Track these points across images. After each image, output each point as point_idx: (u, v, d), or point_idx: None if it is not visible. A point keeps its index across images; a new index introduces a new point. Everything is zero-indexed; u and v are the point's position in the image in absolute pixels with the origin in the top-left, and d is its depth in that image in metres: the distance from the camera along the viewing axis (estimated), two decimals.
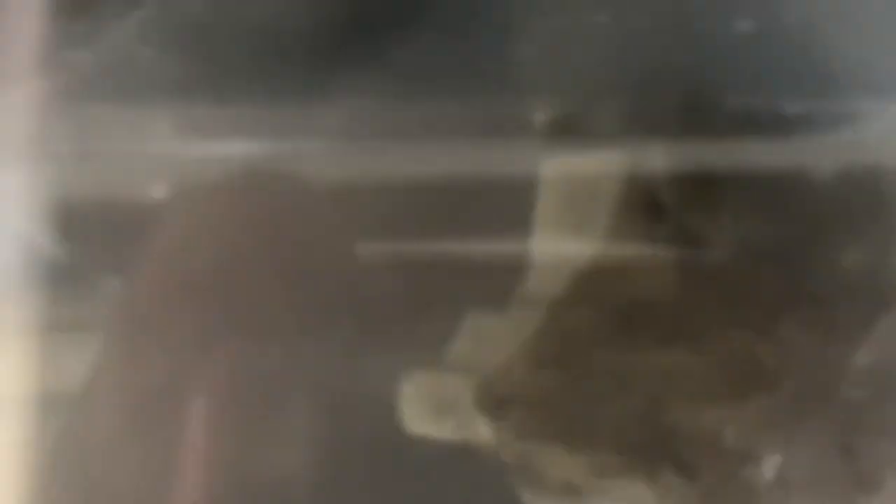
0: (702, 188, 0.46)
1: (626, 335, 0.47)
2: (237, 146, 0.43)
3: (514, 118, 0.51)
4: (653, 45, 0.43)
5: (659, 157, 0.46)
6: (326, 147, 0.48)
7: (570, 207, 0.50)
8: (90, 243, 0.40)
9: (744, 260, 0.47)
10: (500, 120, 0.50)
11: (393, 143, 0.52)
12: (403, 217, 0.44)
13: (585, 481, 0.47)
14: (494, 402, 0.48)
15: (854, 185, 0.49)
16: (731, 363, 0.46)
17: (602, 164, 0.50)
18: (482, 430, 0.46)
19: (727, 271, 0.47)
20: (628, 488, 0.47)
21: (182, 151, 0.44)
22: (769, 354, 0.45)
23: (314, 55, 0.43)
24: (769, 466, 0.45)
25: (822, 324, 0.45)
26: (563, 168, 0.50)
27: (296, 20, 0.41)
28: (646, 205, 0.47)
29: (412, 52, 0.46)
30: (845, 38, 0.46)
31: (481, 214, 0.48)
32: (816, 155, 0.46)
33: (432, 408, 0.47)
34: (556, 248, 0.49)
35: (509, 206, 0.52)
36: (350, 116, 0.48)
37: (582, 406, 0.49)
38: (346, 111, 0.46)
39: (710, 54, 0.45)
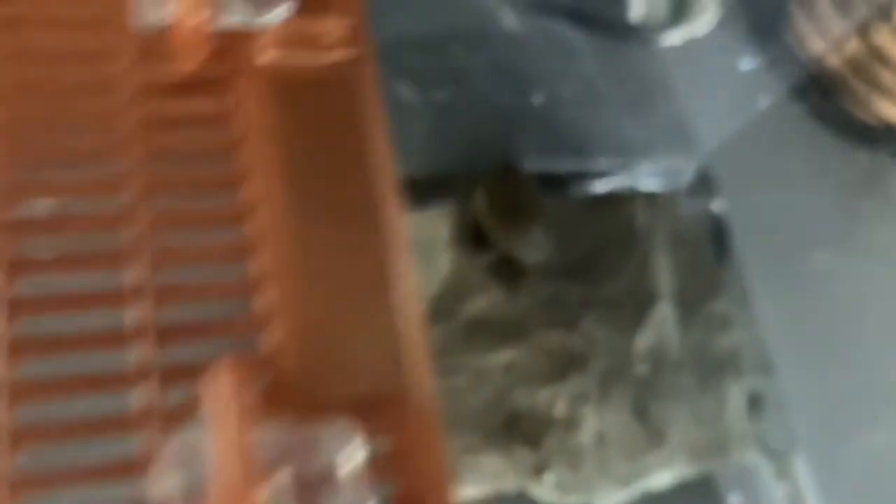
0: (516, 224, 0.60)
1: (472, 343, 0.60)
2: None
3: None
4: (464, 119, 0.57)
5: (480, 201, 0.60)
6: None
7: (415, 248, 0.62)
8: None
9: (551, 276, 0.62)
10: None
11: None
12: None
13: (457, 459, 0.58)
14: None
15: (617, 219, 0.66)
16: (552, 354, 0.60)
17: (434, 215, 0.63)
18: None
19: (540, 286, 0.61)
20: (489, 462, 0.59)
21: None
22: (577, 345, 0.60)
23: None
24: (588, 431, 0.59)
25: (613, 319, 0.61)
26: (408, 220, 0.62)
27: None
28: (473, 239, 0.61)
29: None
30: (599, 112, 0.64)
31: None
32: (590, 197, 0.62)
33: None
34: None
35: None
36: None
37: (447, 400, 0.61)
38: None
39: (510, 123, 0.59)
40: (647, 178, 0.79)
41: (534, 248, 0.63)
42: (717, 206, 0.79)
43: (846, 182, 0.66)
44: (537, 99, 0.57)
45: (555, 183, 0.75)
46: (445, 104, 0.55)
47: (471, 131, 0.60)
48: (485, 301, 0.63)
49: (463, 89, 0.55)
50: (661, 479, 0.66)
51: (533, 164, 0.71)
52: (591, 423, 0.62)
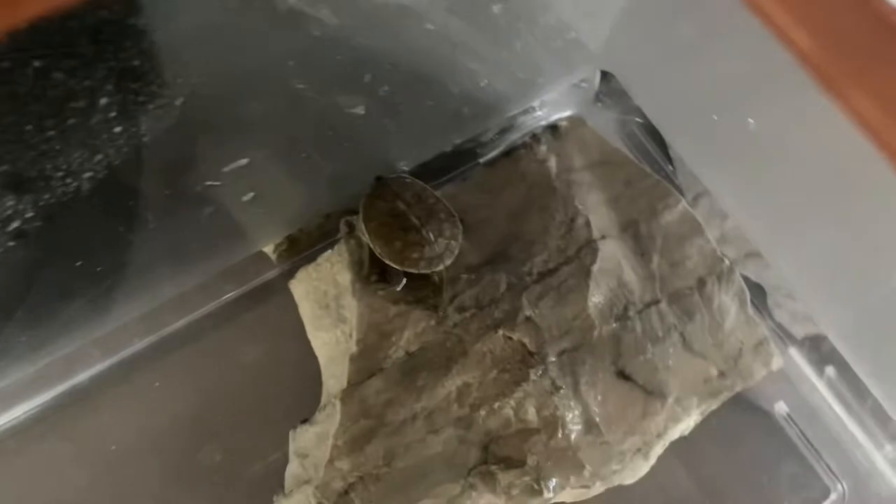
0: (410, 237, 0.52)
1: (414, 383, 0.53)
2: None
3: (251, 264, 0.57)
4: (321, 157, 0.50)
5: (362, 229, 0.53)
6: None
7: (323, 304, 0.56)
8: None
9: (472, 272, 0.54)
10: (241, 269, 0.56)
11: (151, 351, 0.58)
12: None
13: None
14: (336, 497, 0.53)
15: (523, 175, 0.57)
16: (501, 359, 0.52)
17: (330, 259, 0.56)
18: None
19: (464, 290, 0.53)
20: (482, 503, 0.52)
21: None
22: (525, 337, 0.52)
23: None
24: (573, 422, 0.51)
25: (553, 290, 0.52)
26: (304, 278, 0.56)
27: None
28: (374, 272, 0.54)
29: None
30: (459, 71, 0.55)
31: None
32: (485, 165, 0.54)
33: None
34: (329, 341, 0.55)
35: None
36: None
37: (407, 457, 0.54)
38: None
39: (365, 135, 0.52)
40: (549, 113, 0.70)
41: (439, 253, 0.55)
42: (629, 107, 0.68)
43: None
44: (381, 92, 0.49)
45: (447, 167, 0.67)
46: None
47: (333, 169, 0.54)
48: (411, 332, 0.56)
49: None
50: (682, 429, 0.57)
51: (413, 160, 0.63)
52: (572, 413, 0.54)
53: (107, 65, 0.35)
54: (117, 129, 0.38)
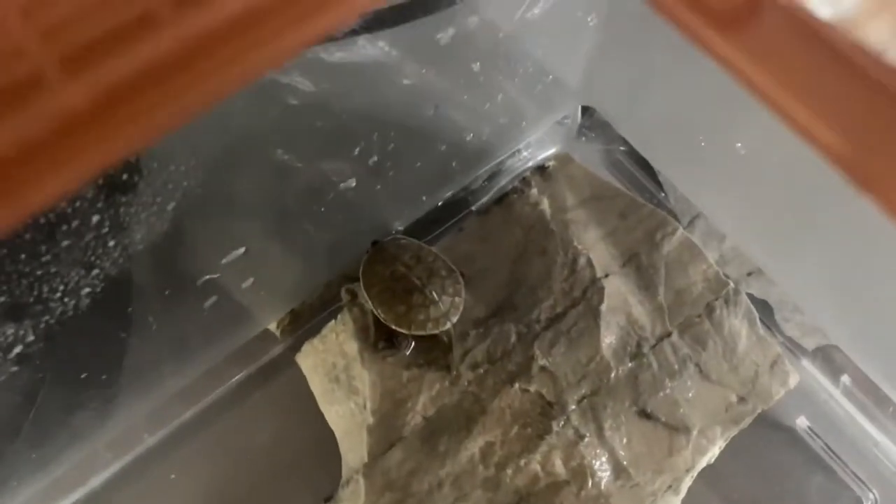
0: (412, 298, 0.51)
1: (435, 449, 0.51)
2: None
3: (255, 343, 0.55)
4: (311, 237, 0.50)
5: (364, 293, 0.54)
6: None
7: (333, 377, 0.55)
8: None
9: (480, 327, 0.53)
10: (246, 350, 0.55)
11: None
12: None
13: None
14: None
15: (518, 220, 0.56)
16: (522, 413, 0.51)
17: (335, 329, 0.55)
18: None
19: (474, 347, 0.52)
20: None
21: None
22: (542, 387, 0.51)
23: None
24: (602, 469, 0.50)
25: (563, 335, 0.51)
26: (310, 351, 0.55)
27: None
28: (381, 338, 0.53)
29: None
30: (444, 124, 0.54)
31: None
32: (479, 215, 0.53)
33: None
34: (343, 414, 0.53)
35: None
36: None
37: None
38: None
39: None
40: (535, 152, 0.69)
41: (444, 311, 0.54)
42: (612, 136, 0.68)
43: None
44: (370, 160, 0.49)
45: (440, 219, 0.66)
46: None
47: (329, 239, 0.54)
48: (426, 396, 0.55)
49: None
50: (709, 458, 0.56)
51: (406, 219, 0.62)
52: (599, 460, 0.52)
53: (95, 182, 0.34)
54: (111, 244, 0.37)
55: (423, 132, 0.54)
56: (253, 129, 0.41)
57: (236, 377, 0.61)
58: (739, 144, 0.55)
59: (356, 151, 0.48)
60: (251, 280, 0.51)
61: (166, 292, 0.45)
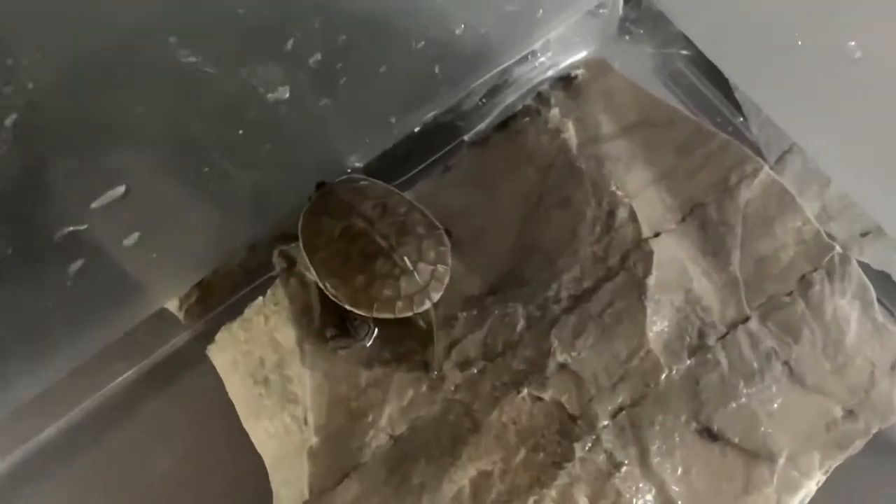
0: (371, 262, 0.52)
1: (406, 480, 0.51)
2: None
3: (149, 330, 0.55)
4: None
5: (306, 265, 0.54)
6: None
7: (260, 378, 0.54)
8: None
9: (474, 307, 0.52)
10: (136, 339, 0.54)
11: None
12: None
13: None
14: None
15: (530, 154, 0.55)
16: (532, 431, 0.50)
17: (262, 310, 0.55)
18: None
19: (465, 336, 0.52)
20: None
21: None
22: (562, 390, 0.51)
23: None
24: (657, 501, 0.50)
25: (593, 320, 0.51)
26: (228, 342, 0.54)
27: None
28: (335, 326, 0.52)
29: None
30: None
31: None
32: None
33: None
34: (275, 432, 0.53)
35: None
36: None
37: None
38: None
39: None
40: (556, 57, 0.68)
41: (421, 286, 0.53)
42: (670, 35, 0.67)
43: None
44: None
45: (418, 154, 0.65)
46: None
47: (253, 181, 0.55)
48: (395, 407, 0.55)
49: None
50: (802, 498, 0.56)
51: (368, 151, 0.62)
52: (643, 499, 0.52)
53: None
54: None
55: (391, 20, 0.53)
56: (136, 13, 0.40)
57: (120, 379, 0.61)
58: (853, 43, 0.53)
59: (289, 46, 0.47)
60: (136, 235, 0.50)
61: (8, 251, 0.43)
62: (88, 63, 0.40)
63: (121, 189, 0.46)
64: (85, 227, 0.46)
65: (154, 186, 0.49)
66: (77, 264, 0.48)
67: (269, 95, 0.49)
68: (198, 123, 0.48)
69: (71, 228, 0.46)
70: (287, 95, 0.49)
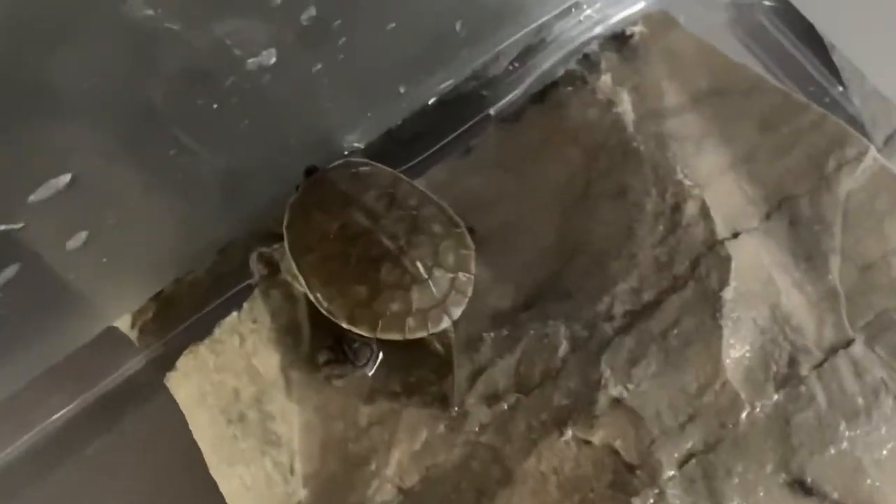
0: (374, 270, 0.51)
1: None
2: None
3: (96, 354, 0.56)
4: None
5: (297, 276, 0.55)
6: None
7: (235, 415, 0.55)
8: None
9: (505, 324, 0.53)
10: (79, 365, 0.55)
11: None
12: None
13: None
14: None
15: (572, 131, 0.56)
16: (579, 483, 0.51)
17: (237, 328, 0.55)
18: None
19: (491, 360, 0.53)
20: None
21: None
22: (616, 433, 0.52)
23: None
24: None
25: (651, 340, 0.53)
26: (192, 368, 0.55)
27: None
28: (328, 349, 0.53)
29: None
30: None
31: None
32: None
33: None
34: (252, 483, 0.54)
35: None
36: None
37: None
38: None
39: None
40: (606, 10, 0.69)
41: (438, 298, 0.54)
42: None
43: None
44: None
45: (433, 132, 0.66)
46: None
47: (227, 165, 0.56)
48: (404, 452, 0.55)
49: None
50: None
51: (370, 130, 0.62)
52: None
53: None
54: None
55: None
56: None
57: (59, 413, 0.62)
58: None
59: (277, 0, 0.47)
60: (83, 236, 0.51)
61: None
62: (22, 21, 0.40)
63: (65, 178, 0.47)
64: (20, 225, 0.46)
65: (106, 174, 0.49)
66: (9, 271, 0.49)
67: (250, 60, 0.49)
68: (160, 93, 0.49)
69: (2, 227, 0.46)
70: (273, 61, 0.50)
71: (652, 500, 0.54)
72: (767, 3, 0.69)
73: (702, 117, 0.63)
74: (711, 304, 0.58)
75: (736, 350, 0.57)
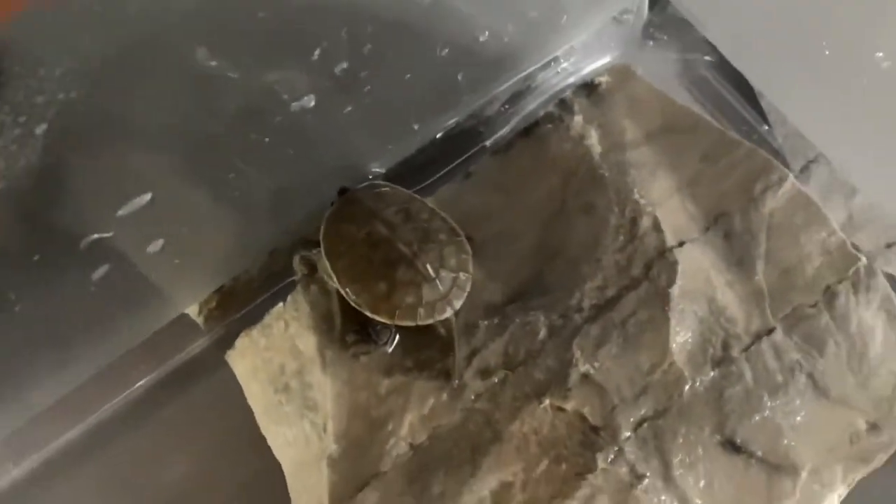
0: (392, 271, 0.51)
1: (426, 489, 0.52)
2: None
3: (169, 336, 0.56)
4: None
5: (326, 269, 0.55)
6: None
7: (280, 386, 0.55)
8: None
9: (495, 315, 0.53)
10: (156, 345, 0.55)
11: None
12: None
13: None
14: None
15: (551, 160, 0.56)
16: (554, 442, 0.51)
17: (282, 316, 0.55)
18: None
19: (485, 345, 0.52)
20: None
21: None
22: (584, 401, 0.51)
23: None
24: None
25: (615, 328, 0.52)
26: (248, 348, 0.55)
27: None
28: (356, 333, 0.53)
29: None
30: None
31: None
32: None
33: None
34: (294, 440, 0.53)
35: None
36: None
37: None
38: None
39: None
40: (579, 64, 0.68)
41: (443, 293, 0.54)
42: (694, 41, 0.67)
43: None
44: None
45: (439, 160, 0.66)
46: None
47: (275, 186, 0.56)
48: (415, 415, 0.55)
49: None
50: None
51: (390, 157, 0.62)
52: None
53: None
54: None
55: (415, 28, 0.53)
56: (162, 19, 0.40)
57: (140, 383, 0.62)
58: (881, 54, 0.53)
59: (316, 55, 0.48)
60: (160, 242, 0.51)
61: (34, 257, 0.44)
62: (114, 70, 0.40)
63: (146, 196, 0.47)
64: (111, 234, 0.47)
65: (179, 193, 0.49)
66: (101, 271, 0.49)
67: (294, 103, 0.49)
68: (221, 129, 0.49)
69: (96, 236, 0.46)
70: (312, 104, 0.50)
71: (612, 456, 0.54)
72: (708, 58, 0.69)
73: (655, 150, 0.62)
74: (661, 299, 0.58)
75: (681, 336, 0.57)
